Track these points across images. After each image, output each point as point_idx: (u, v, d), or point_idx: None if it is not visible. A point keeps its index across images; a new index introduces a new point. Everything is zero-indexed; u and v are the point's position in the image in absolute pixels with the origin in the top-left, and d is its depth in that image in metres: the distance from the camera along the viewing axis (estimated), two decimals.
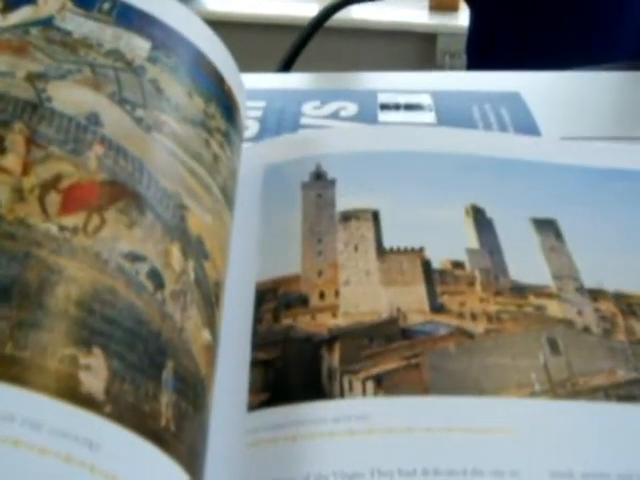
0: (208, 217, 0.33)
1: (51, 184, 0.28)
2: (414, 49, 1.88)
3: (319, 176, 0.40)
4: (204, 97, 0.38)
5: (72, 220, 0.27)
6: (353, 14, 1.87)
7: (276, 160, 0.43)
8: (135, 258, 0.28)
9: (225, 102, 0.40)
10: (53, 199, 0.27)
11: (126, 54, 0.35)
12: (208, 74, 0.39)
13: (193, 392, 0.28)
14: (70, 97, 0.31)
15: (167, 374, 0.27)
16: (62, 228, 0.27)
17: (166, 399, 0.26)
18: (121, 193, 0.29)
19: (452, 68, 1.80)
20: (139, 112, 0.33)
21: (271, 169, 0.42)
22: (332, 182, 0.40)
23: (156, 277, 0.28)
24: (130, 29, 0.36)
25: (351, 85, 0.61)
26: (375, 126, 0.49)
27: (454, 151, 0.43)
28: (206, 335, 0.31)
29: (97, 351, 0.25)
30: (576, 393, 0.31)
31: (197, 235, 0.32)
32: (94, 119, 0.31)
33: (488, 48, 1.19)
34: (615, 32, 1.08)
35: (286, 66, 1.10)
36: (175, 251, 0.30)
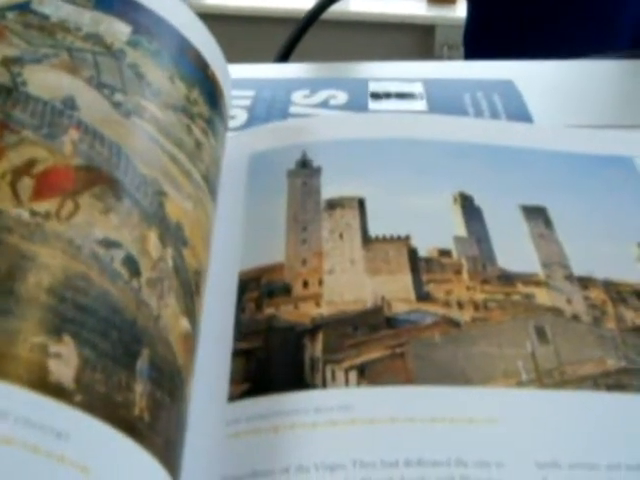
0: (188, 204, 0.33)
1: (24, 169, 0.27)
2: (412, 41, 1.88)
3: (305, 164, 0.40)
4: (187, 82, 0.38)
5: (45, 206, 0.27)
6: (351, 6, 1.86)
7: (262, 148, 0.42)
8: (110, 244, 0.27)
9: (209, 88, 0.39)
10: (26, 184, 0.27)
11: (105, 38, 0.34)
12: (191, 60, 0.39)
13: (170, 382, 0.27)
14: (46, 81, 0.31)
15: (142, 363, 0.26)
16: (34, 214, 0.26)
17: (140, 388, 0.25)
18: (97, 178, 0.29)
19: (450, 60, 1.79)
20: (118, 96, 0.32)
21: (257, 157, 0.42)
22: (318, 170, 0.39)
23: (132, 264, 0.28)
24: (110, 13, 0.35)
25: (343, 75, 0.60)
26: (363, 114, 0.49)
27: (443, 138, 0.42)
28: (184, 324, 0.30)
29: (68, 339, 0.24)
30: (564, 382, 0.30)
31: (176, 222, 0.31)
32: (70, 103, 0.30)
33: (485, 39, 1.18)
34: (613, 21, 1.08)
35: (283, 59, 1.09)
36: (152, 237, 0.29)
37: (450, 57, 1.80)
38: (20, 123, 0.29)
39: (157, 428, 0.25)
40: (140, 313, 0.27)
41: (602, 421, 0.29)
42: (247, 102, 0.53)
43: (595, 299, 0.34)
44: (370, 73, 0.59)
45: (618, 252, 0.36)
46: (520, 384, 0.30)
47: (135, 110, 0.33)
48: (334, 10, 1.63)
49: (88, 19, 0.34)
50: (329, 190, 0.38)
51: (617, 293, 0.34)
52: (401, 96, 0.52)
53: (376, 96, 0.53)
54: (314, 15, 1.11)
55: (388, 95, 0.53)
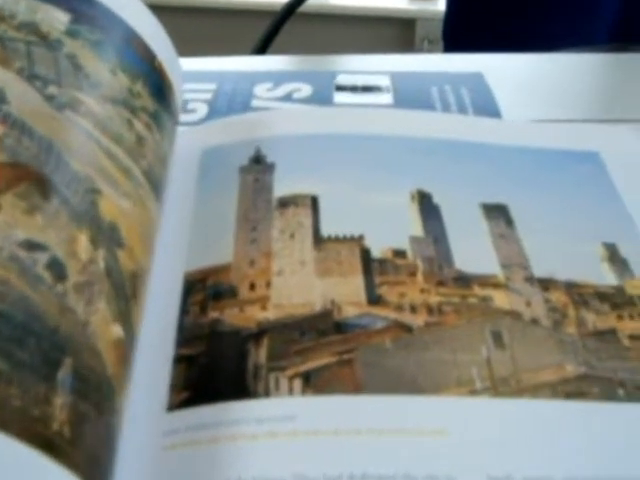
0: (126, 203, 0.31)
1: None
2: (392, 35, 1.86)
3: (258, 160, 0.38)
4: (130, 74, 0.36)
5: None
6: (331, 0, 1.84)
7: (215, 143, 0.40)
8: (33, 247, 0.25)
9: (155, 81, 0.38)
10: None
11: (41, 27, 0.32)
12: (137, 51, 0.37)
13: (96, 393, 0.25)
14: None
15: (64, 373, 0.24)
16: None
17: (61, 401, 0.23)
18: (23, 176, 0.27)
19: (431, 54, 1.77)
20: (51, 89, 0.31)
21: (209, 153, 0.40)
22: (271, 166, 0.38)
23: (57, 267, 0.26)
24: (47, 1, 0.33)
25: (311, 68, 0.59)
26: (321, 108, 0.47)
27: (404, 134, 0.40)
28: (116, 330, 0.28)
29: None
30: (520, 390, 0.28)
31: (110, 221, 0.29)
32: None
33: (464, 33, 1.17)
34: (593, 14, 1.06)
35: (259, 53, 1.07)
36: (82, 239, 0.27)
37: (430, 51, 1.78)
38: None
39: (79, 444, 0.24)
40: (64, 319, 0.25)
41: (559, 431, 0.27)
42: (208, 96, 0.51)
43: (556, 302, 0.32)
44: (341, 66, 0.58)
45: (582, 252, 0.35)
46: (473, 392, 0.28)
47: (70, 103, 0.31)
48: (314, 3, 1.61)
49: (23, 7, 0.33)
50: (282, 187, 0.37)
51: (579, 295, 0.33)
52: (367, 89, 0.51)
53: (341, 89, 0.51)
54: (291, 8, 1.10)
55: (354, 88, 0.51)
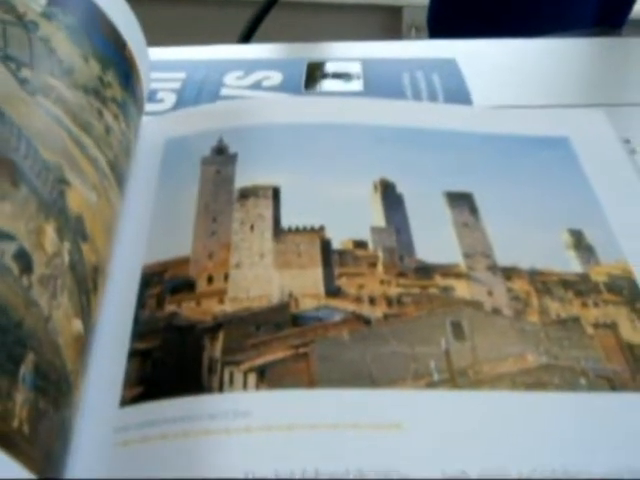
0: (92, 195, 0.30)
1: None
2: (379, 23, 1.85)
3: (220, 151, 0.37)
4: (102, 63, 0.35)
5: None
6: None
7: (178, 134, 0.40)
8: (1, 236, 0.25)
9: (125, 70, 0.37)
10: None
11: (18, 7, 0.31)
12: (109, 38, 0.36)
13: (55, 389, 0.25)
14: None
15: (25, 369, 0.23)
16: None
17: (22, 397, 0.23)
18: None
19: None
20: (25, 72, 0.29)
21: (172, 143, 0.39)
22: (233, 157, 0.37)
23: (24, 259, 0.25)
24: None
25: (284, 56, 0.58)
26: (287, 97, 0.46)
27: (368, 122, 0.40)
28: (77, 325, 0.28)
29: None
30: (479, 382, 0.28)
31: (77, 214, 0.29)
32: None
33: (448, 20, 1.16)
34: (578, 2, 1.06)
35: (244, 41, 1.06)
36: (49, 231, 0.27)
37: (417, 38, 1.77)
38: None
39: (37, 440, 0.23)
40: (28, 313, 0.24)
41: (518, 424, 0.27)
42: (177, 85, 0.50)
43: (518, 290, 0.32)
44: (314, 53, 0.57)
45: (547, 239, 0.34)
46: (430, 385, 0.28)
47: (42, 89, 0.30)
48: None
49: None
50: (243, 178, 0.36)
51: (542, 283, 0.32)
52: (337, 76, 0.50)
53: (311, 76, 0.51)
54: None
55: (324, 75, 0.50)
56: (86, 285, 0.29)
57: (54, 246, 0.27)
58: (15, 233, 0.25)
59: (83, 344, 0.28)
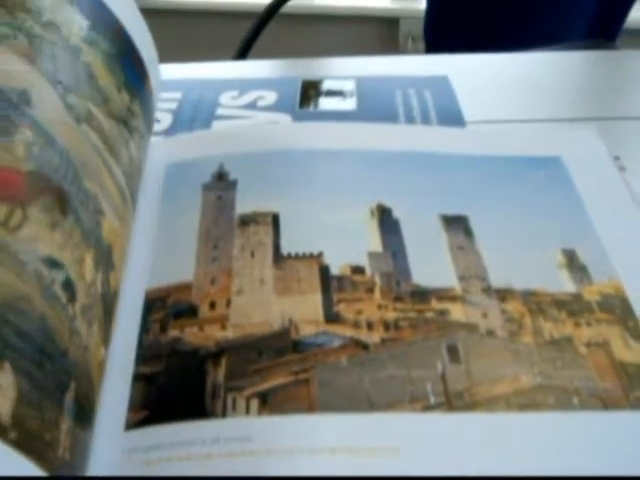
0: (118, 224, 0.31)
1: None
2: (376, 34, 1.86)
3: (221, 177, 0.38)
4: (131, 93, 0.35)
5: None
6: (314, 0, 1.84)
7: (179, 159, 0.41)
8: (52, 265, 0.25)
9: (146, 100, 0.37)
10: None
11: (63, 30, 0.31)
12: (138, 69, 0.36)
13: (88, 417, 0.25)
14: (4, 65, 0.27)
15: (69, 398, 0.24)
16: None
17: (66, 426, 0.23)
18: (46, 188, 0.26)
19: (415, 52, 1.77)
20: (71, 98, 0.30)
21: (173, 168, 0.40)
22: (233, 183, 0.38)
23: (70, 288, 0.25)
24: (70, 3, 0.32)
25: (279, 73, 0.59)
26: (283, 124, 0.47)
27: (364, 147, 0.41)
28: (102, 353, 0.28)
29: (7, 367, 0.21)
30: (474, 404, 0.29)
31: (108, 244, 0.29)
32: (25, 98, 0.27)
33: (444, 31, 1.17)
34: (575, 11, 1.07)
35: (242, 54, 1.07)
36: (89, 260, 0.27)
37: (415, 49, 1.78)
38: None
39: (73, 468, 0.24)
40: (72, 342, 0.25)
41: (513, 445, 0.28)
42: (173, 105, 0.51)
43: (513, 312, 0.33)
44: (309, 70, 0.58)
45: (540, 259, 0.35)
46: (427, 408, 0.28)
47: (85, 117, 0.30)
48: (298, 4, 1.61)
49: (49, 4, 0.31)
50: (244, 205, 0.37)
51: (536, 304, 0.33)
52: (331, 93, 0.51)
53: (306, 95, 0.51)
54: (272, 10, 1.10)
55: (318, 94, 0.51)
56: (111, 313, 0.30)
57: (92, 275, 0.27)
58: (63, 262, 0.25)
59: (103, 370, 0.29)
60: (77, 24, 0.32)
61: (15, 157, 0.25)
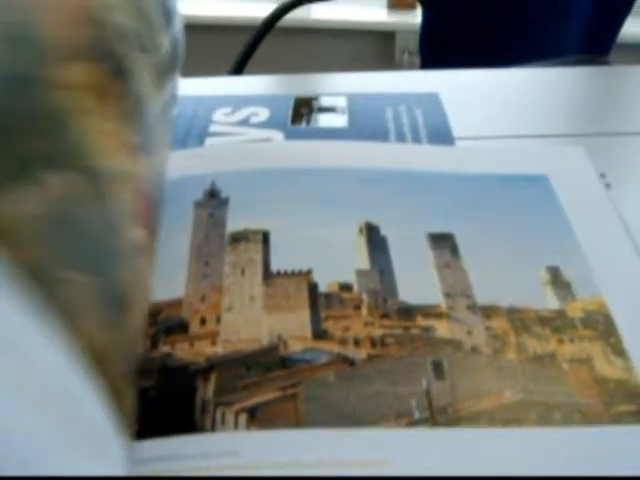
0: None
1: None
2: (372, 48, 1.87)
3: (213, 194, 0.39)
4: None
5: None
6: (311, 14, 1.85)
7: (171, 176, 0.41)
8: None
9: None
10: None
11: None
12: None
13: None
14: None
15: None
16: None
17: None
18: None
19: (410, 66, 1.79)
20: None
21: (165, 185, 0.41)
22: (225, 201, 0.39)
23: None
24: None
25: (272, 89, 0.60)
26: (275, 143, 0.48)
27: (353, 166, 0.41)
28: None
29: None
30: (458, 419, 0.29)
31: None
32: None
33: (440, 45, 1.18)
34: (564, 27, 1.08)
35: (238, 68, 1.08)
36: None
37: (410, 63, 1.79)
38: None
39: None
40: None
41: (496, 459, 0.28)
42: None
43: (497, 329, 0.33)
44: (302, 86, 0.59)
45: (525, 277, 0.36)
46: (412, 423, 0.29)
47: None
48: (295, 17, 1.62)
49: None
50: (235, 223, 0.38)
51: (520, 321, 0.34)
52: (323, 110, 0.52)
53: (298, 112, 0.52)
54: (269, 24, 1.11)
55: (310, 111, 0.52)
56: None
57: None
58: None
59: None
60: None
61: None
